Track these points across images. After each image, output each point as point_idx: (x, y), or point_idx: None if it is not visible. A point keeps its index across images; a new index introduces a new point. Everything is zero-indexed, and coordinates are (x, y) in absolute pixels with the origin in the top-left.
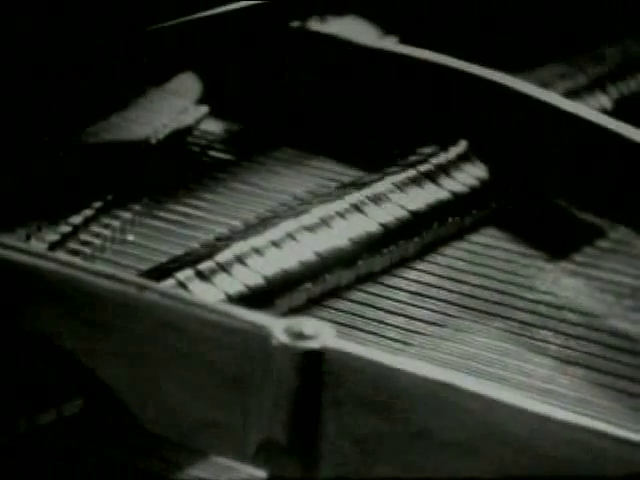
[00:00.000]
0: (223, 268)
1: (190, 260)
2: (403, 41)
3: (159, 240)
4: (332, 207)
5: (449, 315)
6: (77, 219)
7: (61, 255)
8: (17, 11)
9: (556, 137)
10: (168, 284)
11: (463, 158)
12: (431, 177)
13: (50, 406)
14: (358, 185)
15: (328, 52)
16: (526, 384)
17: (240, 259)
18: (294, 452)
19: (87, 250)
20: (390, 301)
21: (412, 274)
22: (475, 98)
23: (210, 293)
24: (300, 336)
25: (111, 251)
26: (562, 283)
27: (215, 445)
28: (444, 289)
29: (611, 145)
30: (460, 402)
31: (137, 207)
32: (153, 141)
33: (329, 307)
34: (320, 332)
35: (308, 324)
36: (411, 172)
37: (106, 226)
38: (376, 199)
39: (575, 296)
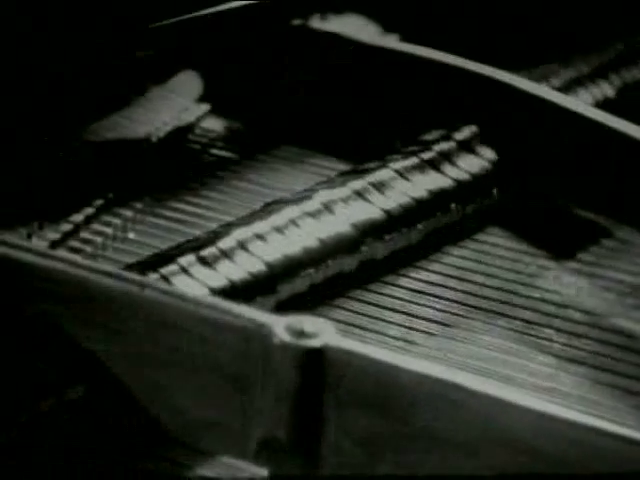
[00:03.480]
0: (225, 254)
1: (192, 246)
2: (404, 39)
3: (160, 238)
4: (335, 193)
5: (452, 313)
6: (78, 217)
7: (62, 253)
8: (17, 11)
9: (558, 135)
10: (170, 270)
11: (466, 145)
12: (434, 164)
13: (50, 402)
14: (361, 172)
15: (329, 50)
16: (529, 382)
17: (242, 245)
18: (295, 451)
19: (88, 248)
20: (392, 299)
21: (415, 272)
22: (476, 96)
23: (212, 279)
24: (301, 334)
25: (112, 249)
26: (565, 282)
27: (216, 444)
28: (447, 288)
29: (614, 143)
30: (462, 401)
31: (138, 205)
32: (154, 139)
33: (331, 305)
34: (321, 330)
35: (309, 322)
36: (414, 159)
37: (107, 224)
38: (379, 186)
39: (578, 295)
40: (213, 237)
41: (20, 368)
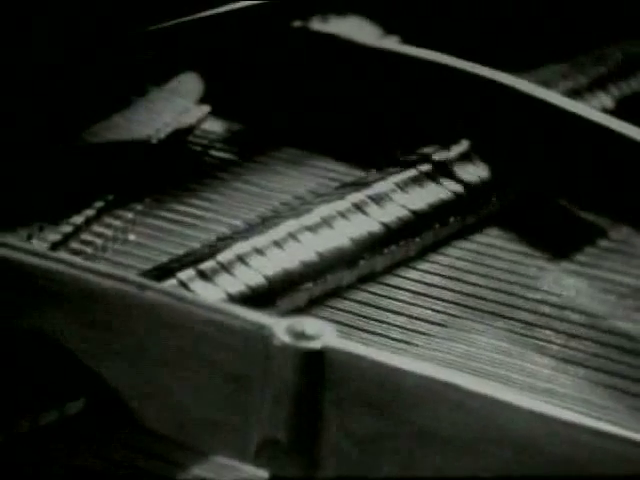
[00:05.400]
0: (225, 268)
1: (191, 260)
2: (404, 41)
3: (161, 240)
4: (333, 207)
5: (451, 315)
6: (79, 219)
7: (63, 255)
8: (17, 11)
9: (557, 136)
10: (169, 284)
11: (464, 157)
12: (432, 176)
13: (52, 406)
14: (359, 185)
15: (330, 52)
16: (528, 384)
17: (242, 259)
18: (295, 452)
19: (89, 250)
20: (392, 301)
21: (414, 274)
22: (476, 97)
23: (212, 293)
24: (302, 336)
25: (113, 251)
26: (564, 283)
27: (216, 445)
28: (446, 289)
29: (612, 144)
30: (462, 401)
31: (138, 207)
32: (154, 141)
33: (331, 307)
34: (322, 332)
35: (310, 324)
36: (412, 172)
37: (108, 226)
38: (378, 199)
39: (577, 296)
40: (212, 251)
41: (19, 379)
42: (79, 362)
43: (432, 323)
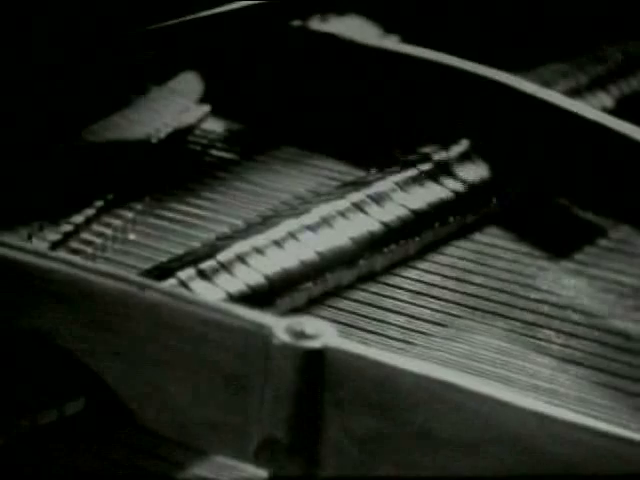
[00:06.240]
0: (224, 267)
1: (191, 259)
2: (404, 40)
3: (161, 239)
4: (333, 206)
5: (451, 315)
6: (79, 218)
7: (62, 254)
8: (17, 11)
9: (558, 136)
10: (169, 283)
11: (464, 157)
12: (432, 176)
13: (51, 406)
14: (359, 184)
15: (329, 51)
16: (528, 383)
17: (241, 258)
18: (295, 451)
19: (88, 249)
20: (392, 300)
21: (414, 273)
22: (476, 97)
23: (211, 292)
24: (302, 335)
25: (112, 250)
26: (564, 282)
27: (216, 444)
28: (446, 288)
29: (613, 144)
30: (462, 402)
31: (138, 206)
32: (154, 140)
33: (331, 306)
34: (322, 331)
35: (310, 323)
36: (412, 171)
37: (108, 225)
38: (377, 198)
39: (577, 295)
40: (212, 250)
41: (19, 379)
42: (79, 362)
43: (432, 323)
